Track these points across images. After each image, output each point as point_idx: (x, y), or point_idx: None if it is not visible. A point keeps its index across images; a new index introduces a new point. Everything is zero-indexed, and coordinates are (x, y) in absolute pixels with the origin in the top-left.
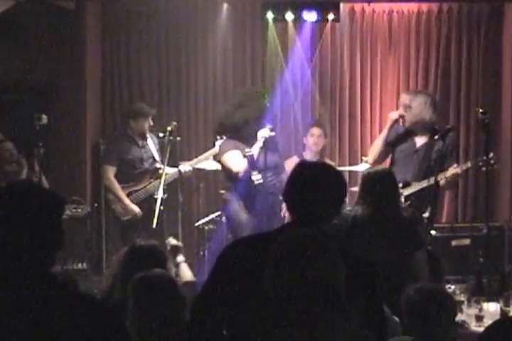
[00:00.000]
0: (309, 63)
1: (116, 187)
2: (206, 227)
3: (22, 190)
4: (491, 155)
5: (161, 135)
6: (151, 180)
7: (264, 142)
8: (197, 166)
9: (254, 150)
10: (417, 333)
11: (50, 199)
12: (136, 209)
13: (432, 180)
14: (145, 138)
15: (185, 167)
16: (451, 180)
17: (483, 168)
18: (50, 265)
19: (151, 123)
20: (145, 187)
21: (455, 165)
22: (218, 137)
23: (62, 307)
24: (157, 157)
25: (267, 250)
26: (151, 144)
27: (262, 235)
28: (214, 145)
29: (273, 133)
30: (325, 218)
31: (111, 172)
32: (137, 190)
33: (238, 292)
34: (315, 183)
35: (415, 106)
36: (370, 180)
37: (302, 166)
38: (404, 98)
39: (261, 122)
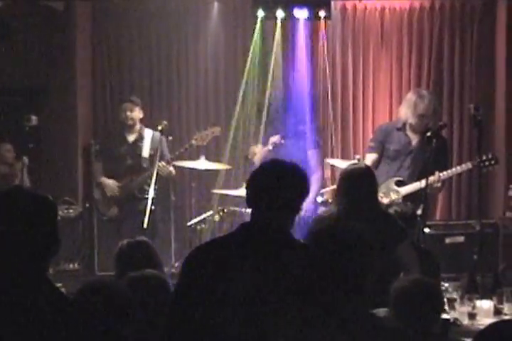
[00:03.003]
0: (302, 61)
1: (96, 176)
2: (198, 227)
3: (13, 196)
4: (490, 155)
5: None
6: (133, 178)
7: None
8: (188, 166)
9: (263, 152)
10: (402, 321)
11: (42, 205)
12: (108, 181)
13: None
14: (136, 133)
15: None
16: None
17: (484, 170)
18: (43, 270)
19: (139, 115)
20: (126, 184)
21: (445, 172)
22: None
23: (56, 312)
24: (146, 154)
25: (228, 251)
26: (147, 142)
27: (223, 238)
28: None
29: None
30: (281, 214)
31: (96, 167)
32: (121, 188)
33: (207, 295)
34: (272, 179)
35: None
36: (347, 177)
37: (265, 163)
38: None
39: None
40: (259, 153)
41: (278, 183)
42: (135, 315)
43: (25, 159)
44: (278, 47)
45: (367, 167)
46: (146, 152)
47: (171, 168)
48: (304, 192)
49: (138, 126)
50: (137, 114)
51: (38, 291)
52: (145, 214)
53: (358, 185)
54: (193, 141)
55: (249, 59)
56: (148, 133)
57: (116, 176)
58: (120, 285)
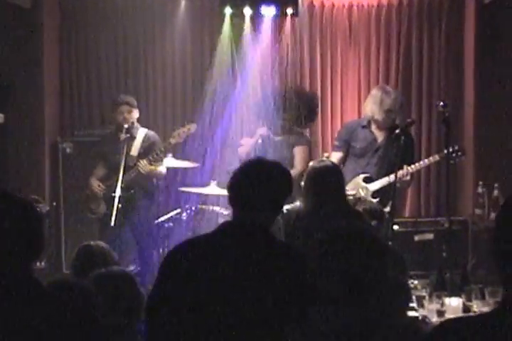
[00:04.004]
0: (268, 58)
1: (92, 176)
2: (166, 225)
3: None
4: (456, 147)
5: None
6: (119, 176)
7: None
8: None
9: (250, 144)
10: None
11: (27, 210)
12: (93, 183)
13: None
14: (128, 132)
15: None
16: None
17: (452, 161)
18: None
19: (136, 115)
20: (112, 184)
21: (413, 166)
22: None
23: (48, 312)
24: (135, 153)
25: (210, 250)
26: (138, 141)
27: (205, 236)
28: None
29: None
30: (264, 213)
31: (97, 168)
32: (108, 186)
33: (186, 294)
34: (257, 178)
35: None
36: (314, 174)
37: (249, 161)
38: None
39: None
40: (245, 145)
41: (261, 183)
42: (101, 312)
43: None
44: (245, 44)
45: (334, 164)
46: (135, 151)
47: (160, 168)
48: (287, 191)
49: (135, 125)
50: (135, 114)
51: (24, 292)
52: (116, 213)
53: (325, 182)
54: (171, 139)
55: (216, 56)
56: (141, 132)
57: (106, 175)
58: (85, 283)
